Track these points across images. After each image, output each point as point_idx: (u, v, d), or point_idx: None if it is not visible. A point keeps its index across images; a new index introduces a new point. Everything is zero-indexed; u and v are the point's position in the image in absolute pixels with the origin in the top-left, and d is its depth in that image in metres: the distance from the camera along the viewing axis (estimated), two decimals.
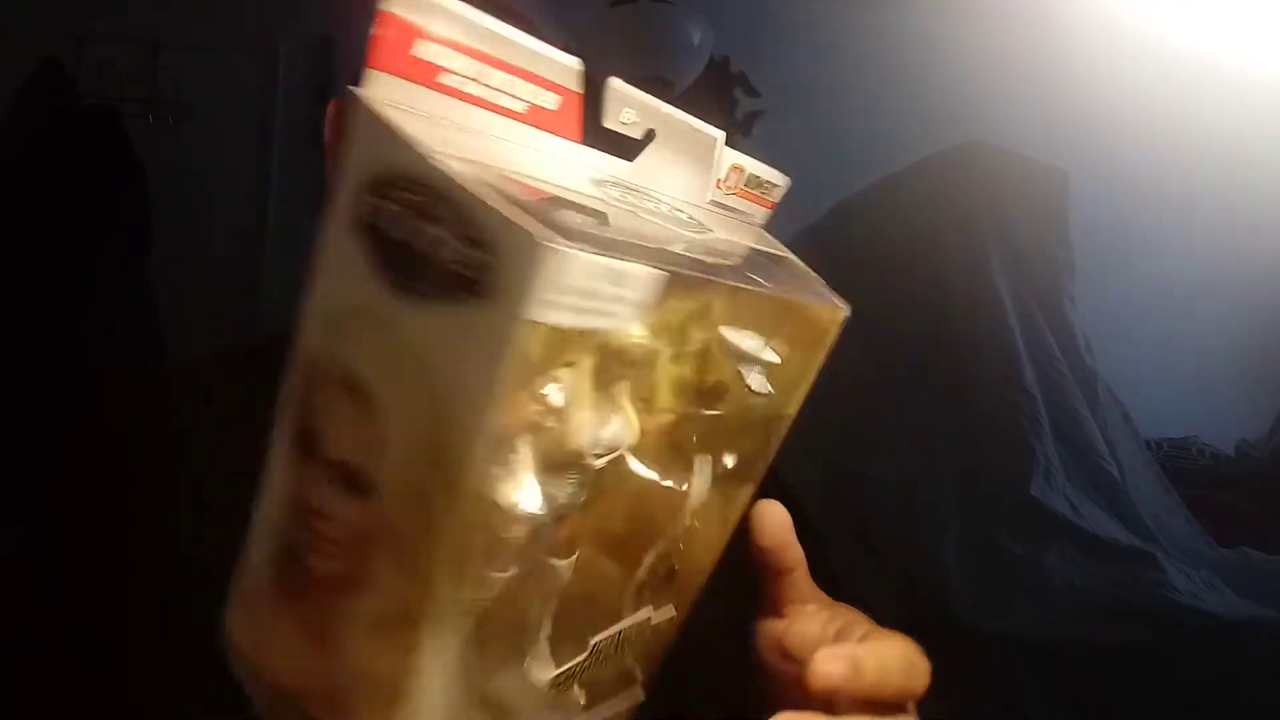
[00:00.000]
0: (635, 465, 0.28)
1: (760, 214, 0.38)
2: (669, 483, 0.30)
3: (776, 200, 0.38)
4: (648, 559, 0.31)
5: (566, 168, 0.28)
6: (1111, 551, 1.41)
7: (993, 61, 1.86)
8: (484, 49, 0.25)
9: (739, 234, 0.36)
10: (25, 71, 1.77)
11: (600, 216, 0.26)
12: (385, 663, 0.25)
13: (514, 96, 0.26)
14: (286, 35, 2.03)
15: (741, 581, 0.44)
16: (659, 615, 0.33)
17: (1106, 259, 1.90)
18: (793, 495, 0.60)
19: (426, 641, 0.24)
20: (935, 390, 1.56)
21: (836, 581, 0.56)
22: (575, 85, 0.28)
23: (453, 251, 0.21)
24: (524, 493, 0.24)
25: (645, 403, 0.27)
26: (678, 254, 0.27)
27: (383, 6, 0.23)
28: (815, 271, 0.36)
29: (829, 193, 1.70)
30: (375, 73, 0.23)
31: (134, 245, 1.85)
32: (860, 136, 1.97)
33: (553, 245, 0.20)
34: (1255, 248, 2.09)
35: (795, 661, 0.34)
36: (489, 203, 0.21)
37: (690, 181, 0.33)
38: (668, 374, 0.28)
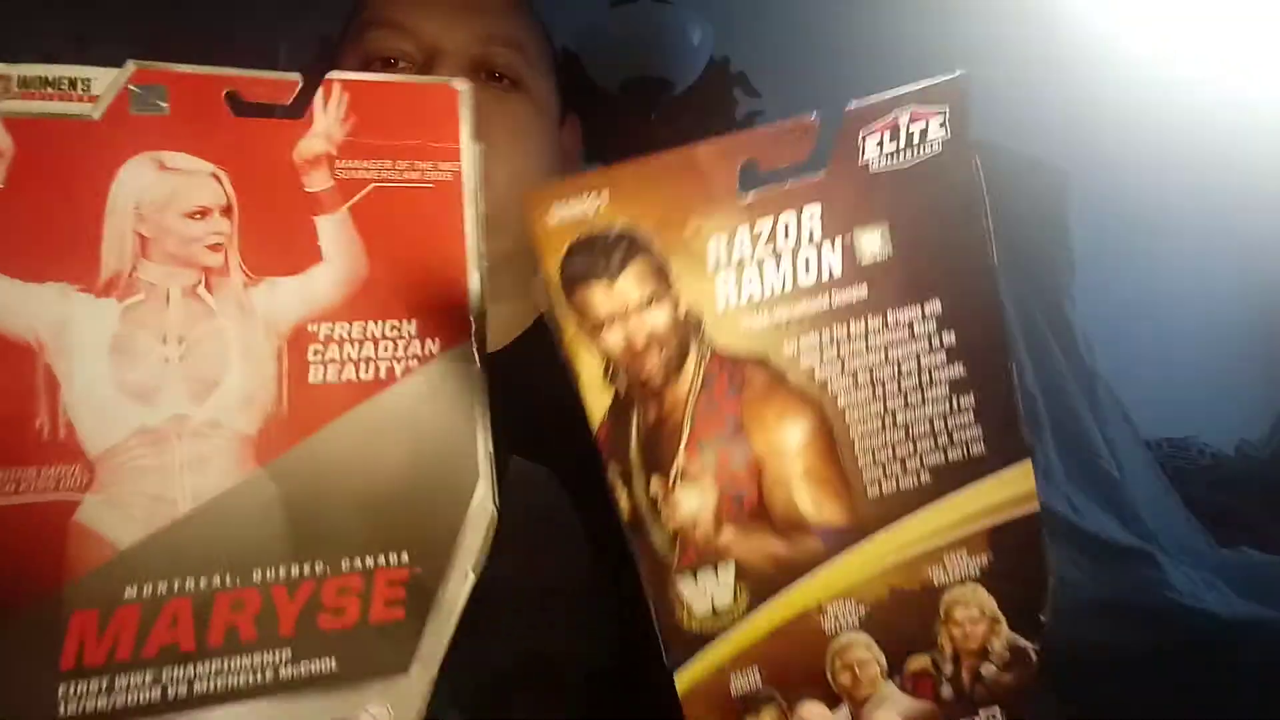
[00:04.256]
0: None
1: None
2: None
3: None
4: None
5: None
6: (1111, 551, 1.40)
7: (993, 61, 1.85)
8: None
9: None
10: None
11: None
12: None
13: None
14: (286, 35, 2.03)
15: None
16: None
17: (1106, 259, 1.90)
18: None
19: None
20: None
21: None
22: None
23: None
24: None
25: None
26: None
27: None
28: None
29: None
30: None
31: None
32: None
33: None
34: (1256, 248, 2.09)
35: None
36: None
37: None
38: None
